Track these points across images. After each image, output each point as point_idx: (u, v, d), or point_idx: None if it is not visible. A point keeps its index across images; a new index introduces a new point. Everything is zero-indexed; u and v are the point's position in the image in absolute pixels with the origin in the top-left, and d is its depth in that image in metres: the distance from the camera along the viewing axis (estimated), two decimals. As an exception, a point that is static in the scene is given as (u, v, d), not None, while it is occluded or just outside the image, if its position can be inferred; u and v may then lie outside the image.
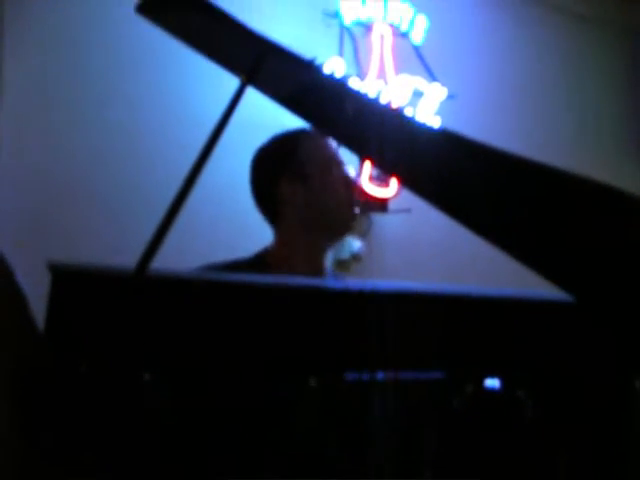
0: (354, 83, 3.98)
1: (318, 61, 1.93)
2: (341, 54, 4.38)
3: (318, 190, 2.39)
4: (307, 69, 1.86)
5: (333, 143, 2.43)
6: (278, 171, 2.41)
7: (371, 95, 2.19)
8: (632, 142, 5.49)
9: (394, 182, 4.37)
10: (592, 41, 5.35)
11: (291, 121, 2.25)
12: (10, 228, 3.46)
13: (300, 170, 2.40)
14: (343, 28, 4.41)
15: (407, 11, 4.50)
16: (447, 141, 1.85)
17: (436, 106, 4.56)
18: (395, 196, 4.41)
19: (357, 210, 2.46)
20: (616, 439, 1.81)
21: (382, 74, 4.45)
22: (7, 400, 1.55)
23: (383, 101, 2.04)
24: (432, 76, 4.57)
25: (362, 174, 4.37)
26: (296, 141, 2.42)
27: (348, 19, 4.39)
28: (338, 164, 2.41)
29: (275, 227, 2.44)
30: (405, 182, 2.37)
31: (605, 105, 5.40)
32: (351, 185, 2.42)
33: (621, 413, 1.81)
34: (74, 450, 1.53)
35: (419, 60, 4.57)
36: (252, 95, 1.94)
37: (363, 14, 4.42)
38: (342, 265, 4.34)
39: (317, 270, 2.40)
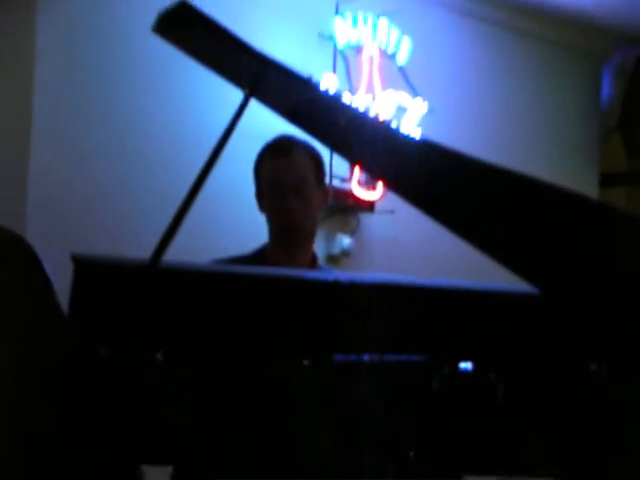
0: (346, 98, 3.97)
1: (314, 77, 1.93)
2: (334, 72, 4.37)
3: (264, 207, 2.42)
4: (304, 84, 1.86)
5: (288, 162, 2.37)
6: (255, 186, 2.44)
7: (361, 108, 2.18)
8: (591, 156, 5.50)
9: (380, 186, 4.36)
10: (560, 65, 5.34)
11: (290, 131, 2.25)
12: (41, 231, 3.45)
13: (258, 183, 2.43)
14: (336, 49, 4.40)
15: (393, 35, 4.50)
16: (428, 149, 1.84)
17: (418, 119, 4.56)
18: (381, 198, 4.40)
19: (294, 228, 2.36)
20: (576, 415, 1.81)
21: (370, 90, 4.44)
22: (30, 377, 1.54)
23: (371, 114, 2.03)
24: (415, 92, 4.57)
25: (352, 178, 4.36)
26: (259, 158, 2.43)
27: (341, 41, 4.38)
28: (271, 189, 2.37)
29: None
30: (390, 186, 2.36)
31: (569, 123, 5.40)
32: (284, 211, 2.35)
33: (579, 392, 1.81)
34: (95, 424, 1.53)
35: (403, 78, 4.56)
36: (255, 107, 1.94)
37: (354, 37, 4.41)
38: (333, 260, 4.34)
39: (302, 266, 2.39)
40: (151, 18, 1.74)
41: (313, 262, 2.44)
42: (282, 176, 2.36)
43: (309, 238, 2.43)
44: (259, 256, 2.42)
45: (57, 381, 1.53)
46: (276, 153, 2.40)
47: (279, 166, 2.38)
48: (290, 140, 2.39)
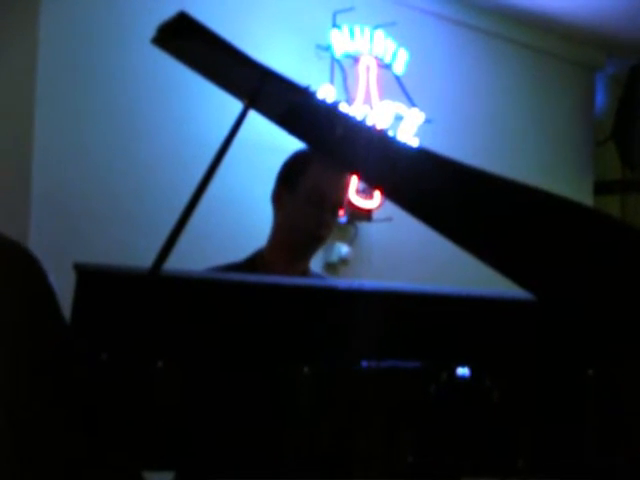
0: (343, 108, 3.97)
1: (312, 88, 1.93)
2: (332, 82, 4.38)
3: (291, 210, 2.37)
4: (302, 94, 1.87)
5: (339, 180, 2.37)
6: (281, 177, 2.41)
7: (358, 118, 2.19)
8: (586, 164, 5.50)
9: (378, 194, 4.37)
10: (555, 75, 5.35)
11: (288, 141, 2.25)
12: (44, 235, 3.45)
13: (292, 185, 2.38)
14: (334, 60, 4.41)
15: (390, 45, 4.51)
16: (424, 158, 1.85)
17: (415, 129, 4.56)
18: (378, 207, 4.41)
19: (320, 241, 2.38)
20: (570, 417, 1.81)
21: (368, 100, 4.45)
22: (36, 384, 1.54)
23: (369, 124, 2.03)
24: (411, 102, 4.58)
25: (350, 187, 4.37)
26: (304, 161, 2.39)
27: (338, 52, 4.39)
28: (319, 199, 2.33)
29: (271, 230, 2.44)
30: (387, 194, 2.37)
31: (563, 132, 5.40)
32: (321, 224, 2.34)
33: (577, 397, 1.81)
34: (97, 427, 1.53)
35: (400, 88, 4.57)
36: (254, 117, 1.94)
37: (351, 47, 4.42)
38: (332, 268, 4.34)
39: (297, 273, 2.38)
40: (155, 23, 1.74)
41: (306, 271, 2.44)
42: (331, 191, 2.36)
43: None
44: (251, 263, 2.41)
45: (58, 389, 1.53)
46: (321, 161, 2.36)
47: (332, 181, 2.37)
48: None
